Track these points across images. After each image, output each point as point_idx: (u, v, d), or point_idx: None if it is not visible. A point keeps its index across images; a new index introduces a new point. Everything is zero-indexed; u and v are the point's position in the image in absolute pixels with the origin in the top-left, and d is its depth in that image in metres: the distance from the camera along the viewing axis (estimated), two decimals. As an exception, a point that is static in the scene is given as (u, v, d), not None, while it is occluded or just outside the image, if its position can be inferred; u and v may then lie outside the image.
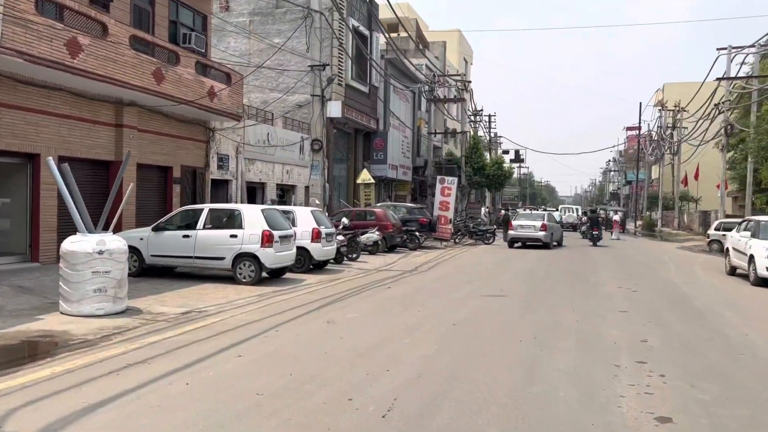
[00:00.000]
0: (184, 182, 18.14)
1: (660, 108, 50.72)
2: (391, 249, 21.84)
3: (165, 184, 17.62)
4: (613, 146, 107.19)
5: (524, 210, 44.05)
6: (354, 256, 18.12)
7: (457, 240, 27.87)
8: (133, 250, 12.87)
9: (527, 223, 26.52)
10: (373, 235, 19.78)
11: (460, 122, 42.98)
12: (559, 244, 28.22)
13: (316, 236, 14.74)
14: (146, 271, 13.21)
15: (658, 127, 51.36)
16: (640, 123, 58.61)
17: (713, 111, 33.01)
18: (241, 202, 20.29)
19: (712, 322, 9.85)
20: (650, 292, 13.26)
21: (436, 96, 36.35)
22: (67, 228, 11.22)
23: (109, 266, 9.05)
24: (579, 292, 12.95)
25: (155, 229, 13.14)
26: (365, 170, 26.88)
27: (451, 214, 26.98)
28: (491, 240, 28.54)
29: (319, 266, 15.45)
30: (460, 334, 8.38)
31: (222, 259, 12.58)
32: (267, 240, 12.41)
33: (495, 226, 32.23)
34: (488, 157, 46.92)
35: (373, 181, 26.53)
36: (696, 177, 43.79)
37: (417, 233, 23.25)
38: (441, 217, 26.06)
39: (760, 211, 30.26)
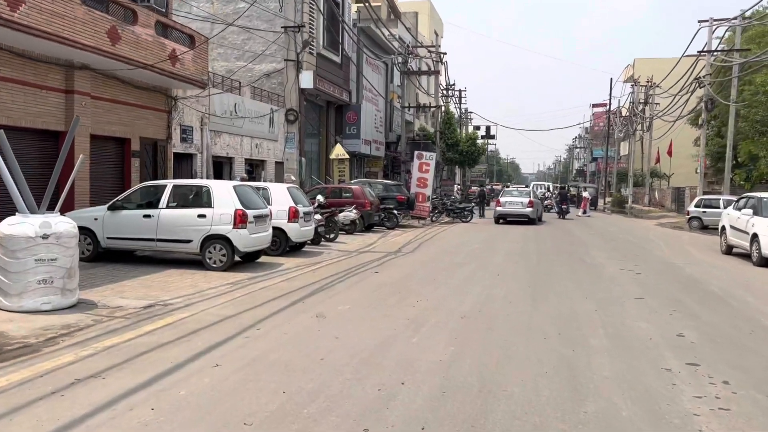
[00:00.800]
0: (144, 156, 16.51)
1: (633, 83, 50.19)
2: (368, 228, 20.61)
3: (122, 158, 15.96)
4: (579, 123, 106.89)
5: (509, 188, 45.24)
6: (332, 236, 16.84)
7: (433, 218, 26.77)
8: (87, 232, 11.37)
9: (515, 199, 27.25)
10: (350, 214, 18.49)
11: (433, 97, 41.67)
12: (540, 220, 28.65)
13: (293, 216, 13.40)
14: (102, 255, 11.72)
15: (630, 102, 50.89)
16: (610, 98, 58.30)
17: (693, 85, 32.44)
18: (207, 178, 18.74)
19: (741, 311, 8.92)
20: (655, 274, 12.35)
21: (410, 68, 34.90)
22: (5, 209, 9.65)
23: (56, 252, 7.62)
24: (581, 275, 11.96)
25: (111, 208, 11.63)
26: (339, 145, 25.46)
27: (430, 191, 25.81)
28: (469, 218, 27.54)
29: (296, 248, 14.14)
30: (472, 330, 7.23)
31: (189, 241, 11.17)
32: (240, 220, 11.03)
33: (473, 204, 31.20)
34: (462, 132, 45.76)
35: (347, 156, 25.15)
36: (669, 153, 43.50)
37: (395, 211, 22.05)
38: (419, 195, 24.87)
39: (739, 188, 29.96)
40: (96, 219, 11.54)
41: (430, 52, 35.36)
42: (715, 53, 29.92)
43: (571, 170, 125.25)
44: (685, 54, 32.83)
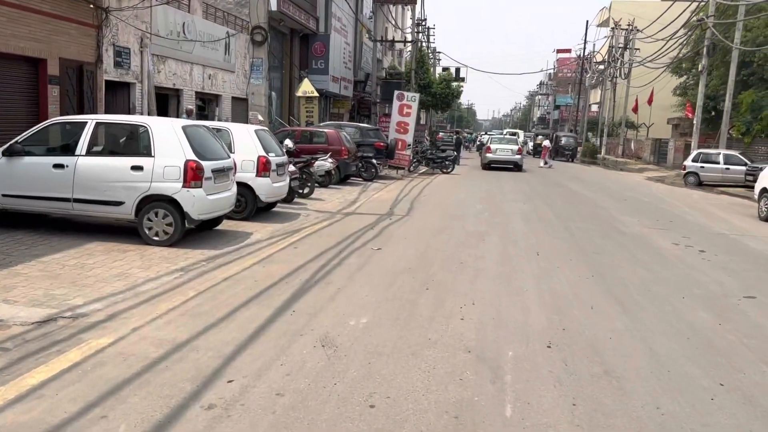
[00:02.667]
0: (66, 83, 12.84)
1: (613, 27, 47.37)
2: (343, 180, 17.53)
3: (36, 85, 12.30)
4: (542, 70, 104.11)
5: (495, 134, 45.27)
6: (306, 191, 13.73)
7: (411, 168, 23.75)
8: (-31, 188, 7.99)
9: (505, 147, 27.88)
10: (325, 163, 15.29)
11: (406, 32, 37.93)
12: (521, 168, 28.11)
13: (263, 168, 10.20)
14: (-4, 219, 8.39)
15: (610, 47, 48.21)
16: (585, 42, 55.79)
17: (690, 28, 29.91)
18: (150, 115, 15.18)
19: None
20: (721, 252, 9.80)
21: (383, -4, 31.00)
22: None
23: None
24: (637, 253, 9.31)
25: (8, 153, 8.21)
26: (306, 80, 21.91)
27: (411, 137, 22.64)
28: (450, 169, 24.66)
29: (265, 208, 11.01)
30: (584, 379, 4.43)
31: (118, 203, 7.92)
32: (193, 175, 7.83)
33: (455, 153, 28.32)
34: (434, 73, 42.37)
35: (316, 94, 21.69)
36: (650, 102, 41.24)
37: (374, 161, 18.96)
38: (399, 141, 21.71)
39: (737, 142, 27.94)
40: (-15, 168, 8.14)
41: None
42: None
43: (532, 118, 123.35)
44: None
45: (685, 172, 25.08)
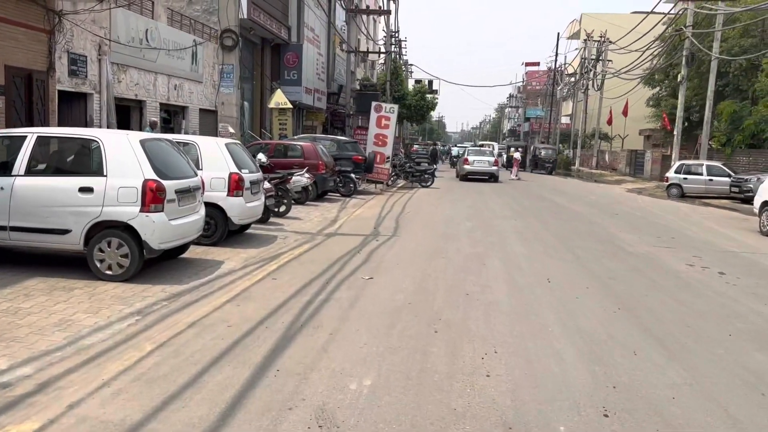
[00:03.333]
0: (12, 93, 11.52)
1: (585, 39, 47.23)
2: (320, 196, 16.41)
3: (-23, 96, 11.00)
4: (511, 83, 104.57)
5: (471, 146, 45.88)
6: (282, 209, 12.59)
7: (389, 183, 22.71)
8: None
9: (483, 158, 28.44)
10: (301, 179, 14.16)
11: (379, 43, 37.05)
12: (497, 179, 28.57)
13: (235, 186, 9.04)
14: None
15: (582, 58, 48.06)
16: (556, 55, 55.24)
17: (667, 39, 29.64)
18: (109, 128, 13.89)
19: None
20: (742, 273, 8.93)
21: (357, 5, 30.05)
22: None
23: None
24: (655, 278, 8.40)
25: (-69, 174, 6.93)
26: (279, 91, 20.77)
27: (390, 150, 21.60)
28: (429, 182, 23.70)
29: (238, 230, 9.83)
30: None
31: (64, 232, 6.69)
32: (154, 197, 6.65)
33: (435, 166, 27.41)
34: (407, 85, 41.52)
35: (290, 106, 20.56)
36: (625, 113, 40.98)
37: (353, 175, 17.88)
38: (377, 155, 20.64)
39: (717, 153, 27.57)
40: None
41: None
42: (699, 1, 26.95)
43: (502, 130, 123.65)
44: (653, 10, 29.89)
45: (667, 183, 24.55)
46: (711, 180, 23.44)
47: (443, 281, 7.65)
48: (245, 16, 19.82)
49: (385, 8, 30.03)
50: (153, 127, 14.96)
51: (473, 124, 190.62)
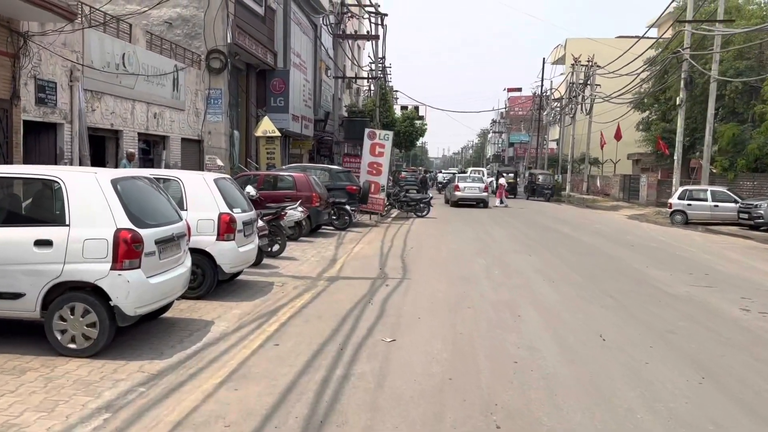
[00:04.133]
0: (-31, 124, 10.22)
1: (573, 63, 46.87)
2: (314, 230, 15.14)
3: (-72, 127, 9.66)
4: (494, 109, 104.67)
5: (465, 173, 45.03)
6: (276, 249, 11.30)
7: (383, 213, 21.48)
8: None
9: (473, 185, 28.92)
10: (295, 213, 12.88)
11: (366, 69, 36.13)
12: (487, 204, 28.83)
13: (226, 229, 7.74)
14: None
15: (569, 83, 47.64)
16: (542, 80, 54.95)
17: (662, 61, 29.08)
18: (81, 163, 12.56)
19: None
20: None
21: (344, 30, 29.09)
22: None
23: None
24: (709, 324, 7.26)
25: None
26: (267, 119, 19.60)
27: (384, 179, 20.43)
28: (425, 212, 22.53)
29: (229, 277, 8.51)
30: None
31: (17, 296, 5.35)
32: (128, 251, 5.35)
33: (430, 195, 26.28)
34: (396, 111, 40.60)
35: (278, 134, 19.38)
36: (617, 137, 40.29)
37: (348, 207, 16.65)
38: (372, 184, 19.44)
39: (721, 177, 26.79)
40: None
41: (368, 13, 29.42)
42: (698, 22, 26.39)
43: (485, 155, 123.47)
44: (645, 35, 29.44)
45: (671, 210, 23.65)
46: (716, 206, 22.60)
47: (480, 342, 6.39)
48: (230, 41, 18.73)
49: (373, 33, 29.03)
50: (130, 159, 13.67)
51: (455, 149, 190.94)
